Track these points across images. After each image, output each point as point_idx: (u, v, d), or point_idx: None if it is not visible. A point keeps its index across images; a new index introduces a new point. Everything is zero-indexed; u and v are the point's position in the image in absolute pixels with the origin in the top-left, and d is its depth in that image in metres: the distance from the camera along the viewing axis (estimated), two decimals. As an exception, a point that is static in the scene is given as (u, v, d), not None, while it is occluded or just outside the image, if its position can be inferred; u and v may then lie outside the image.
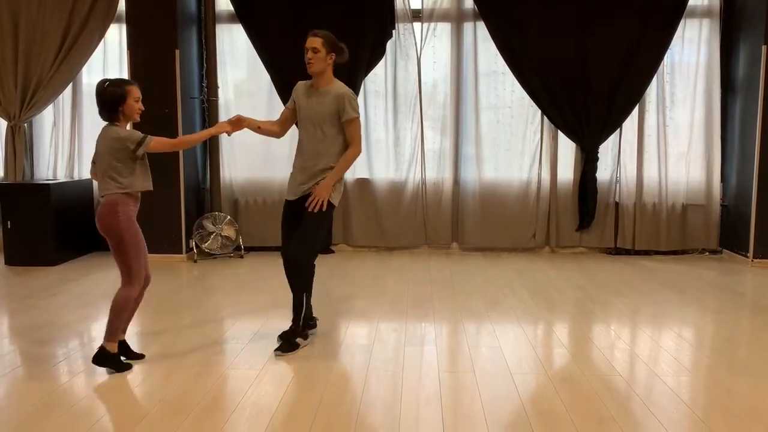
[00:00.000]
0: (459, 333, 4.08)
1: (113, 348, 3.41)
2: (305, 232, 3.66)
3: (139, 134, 3.34)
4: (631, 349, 3.79)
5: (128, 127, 3.46)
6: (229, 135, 3.81)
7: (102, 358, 3.39)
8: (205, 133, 3.71)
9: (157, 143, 3.38)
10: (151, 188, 3.48)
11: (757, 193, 6.03)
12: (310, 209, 3.64)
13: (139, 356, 3.57)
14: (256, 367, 3.47)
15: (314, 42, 3.75)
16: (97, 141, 3.41)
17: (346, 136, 3.72)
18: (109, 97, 3.30)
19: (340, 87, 3.76)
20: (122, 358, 3.46)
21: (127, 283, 3.41)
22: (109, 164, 3.33)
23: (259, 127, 3.86)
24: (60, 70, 6.33)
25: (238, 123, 3.74)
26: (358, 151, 3.77)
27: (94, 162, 3.46)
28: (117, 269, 3.40)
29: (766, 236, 6.05)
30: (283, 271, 3.77)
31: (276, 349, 3.67)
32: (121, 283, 3.43)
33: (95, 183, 5.47)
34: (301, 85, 3.90)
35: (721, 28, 6.41)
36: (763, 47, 5.88)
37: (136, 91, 3.37)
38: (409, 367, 3.49)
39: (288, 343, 3.71)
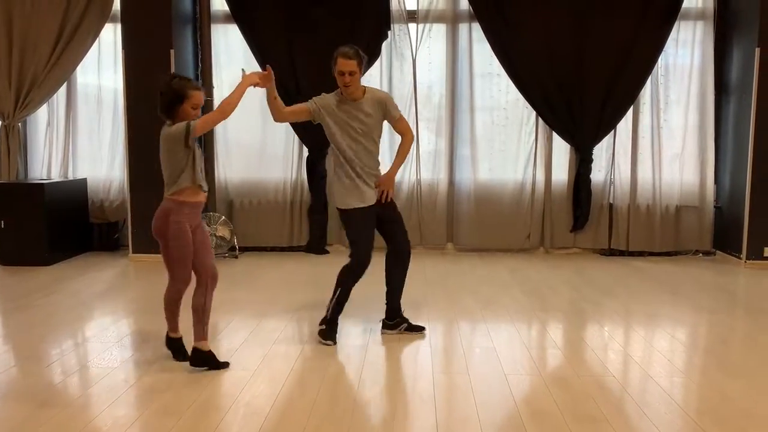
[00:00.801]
0: (453, 333, 4.09)
1: (205, 346, 3.42)
2: (402, 223, 4.01)
3: (183, 123, 3.23)
4: (625, 350, 3.81)
5: None
6: (254, 87, 3.55)
7: (197, 359, 3.41)
8: (241, 89, 3.38)
9: (202, 122, 3.24)
10: (206, 189, 3.45)
11: (750, 195, 6.06)
12: (388, 200, 3.91)
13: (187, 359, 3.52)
14: (250, 368, 3.47)
15: (350, 65, 3.73)
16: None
17: (398, 130, 4.02)
18: (169, 92, 3.23)
19: (374, 93, 3.90)
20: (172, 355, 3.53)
21: (171, 279, 3.45)
22: (166, 164, 3.31)
23: (275, 98, 3.77)
24: (54, 69, 6.32)
25: (268, 77, 3.62)
26: (413, 137, 4.13)
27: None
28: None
29: (758, 237, 6.08)
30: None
31: (384, 329, 4.05)
32: (173, 283, 3.47)
33: (89, 182, 5.46)
34: (329, 97, 3.88)
35: (715, 31, 6.45)
36: (756, 50, 5.91)
37: (197, 98, 3.28)
38: (403, 368, 3.49)
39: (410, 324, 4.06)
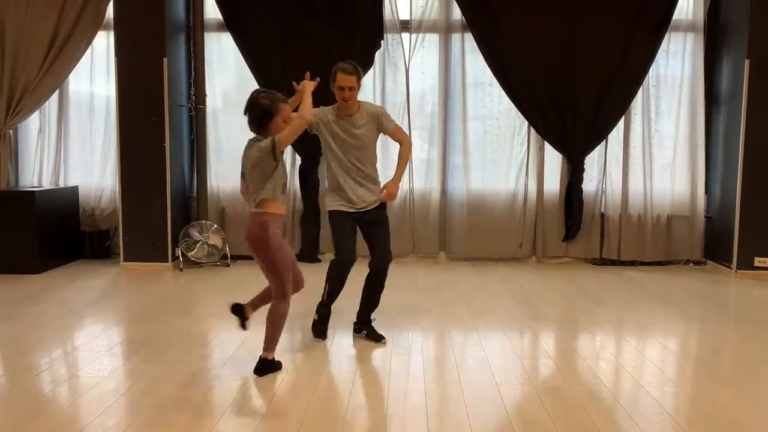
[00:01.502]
0: (446, 343, 4.09)
1: (271, 356, 3.49)
2: (388, 236, 4.09)
3: (269, 138, 3.27)
4: (616, 359, 3.81)
5: None
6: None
7: (264, 368, 3.45)
8: (309, 95, 3.43)
9: (287, 135, 3.26)
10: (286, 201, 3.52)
11: (740, 205, 6.10)
12: (388, 199, 4.01)
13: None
14: (243, 376, 3.46)
15: (350, 81, 3.82)
16: (243, 157, 3.42)
17: (396, 139, 4.10)
18: (260, 109, 3.28)
19: (369, 108, 4.01)
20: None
21: (281, 297, 3.46)
22: (254, 179, 3.34)
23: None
24: (47, 76, 6.30)
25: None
26: (411, 142, 4.35)
27: (243, 175, 3.46)
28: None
29: (749, 247, 6.12)
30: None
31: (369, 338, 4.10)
32: (274, 297, 3.48)
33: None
34: (327, 111, 3.98)
35: (705, 42, 6.51)
36: (746, 61, 5.97)
37: (287, 111, 3.33)
38: (395, 377, 3.48)
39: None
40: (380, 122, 3.99)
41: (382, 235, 4.05)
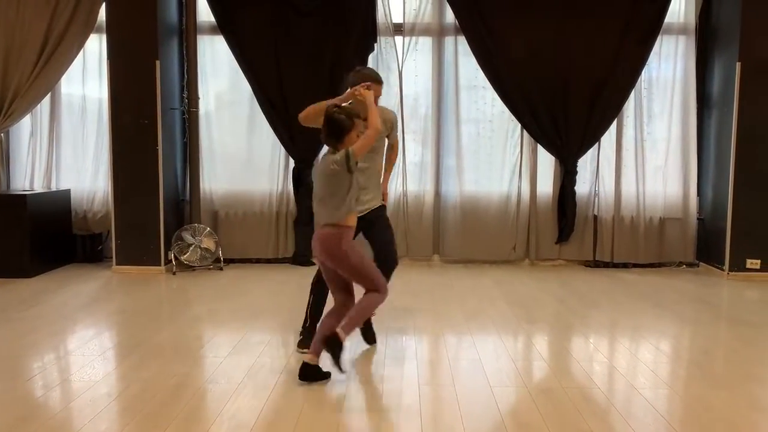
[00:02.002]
0: (439, 345, 4.09)
1: (344, 338, 3.41)
2: (393, 237, 4.11)
3: (342, 152, 3.33)
4: (610, 361, 3.82)
5: None
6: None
7: (333, 344, 3.36)
8: (374, 108, 3.51)
9: (360, 147, 3.35)
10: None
11: (732, 207, 6.14)
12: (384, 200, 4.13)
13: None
14: (236, 380, 3.44)
15: (379, 90, 3.85)
16: (316, 174, 3.52)
17: (390, 143, 4.20)
18: (337, 124, 3.35)
19: (383, 113, 4.00)
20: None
21: (380, 291, 3.54)
22: (329, 192, 3.37)
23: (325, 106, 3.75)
24: (38, 79, 6.26)
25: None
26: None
27: (314, 195, 3.51)
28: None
29: (741, 249, 6.15)
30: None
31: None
32: (371, 292, 3.53)
33: (70, 190, 5.41)
34: None
35: (697, 45, 6.54)
36: (737, 64, 6.00)
37: (361, 126, 3.41)
38: (389, 380, 3.48)
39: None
40: (391, 129, 4.07)
41: (384, 235, 4.04)
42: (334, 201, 3.37)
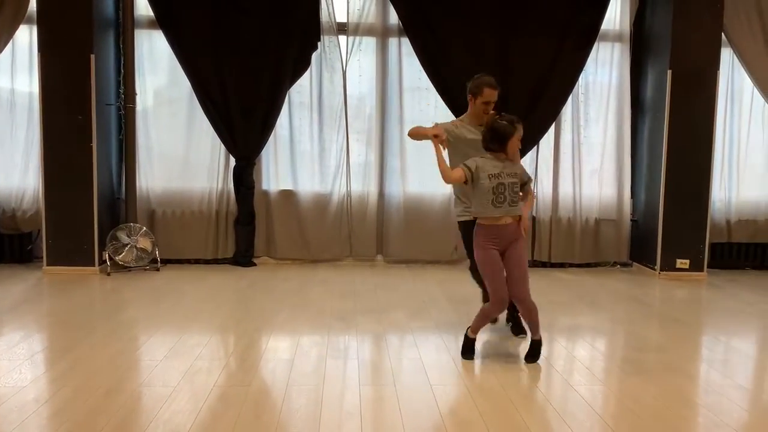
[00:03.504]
0: (381, 345, 4.09)
1: (473, 336, 3.89)
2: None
3: (527, 175, 3.85)
4: (547, 360, 3.90)
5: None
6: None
7: (466, 345, 3.89)
8: (441, 152, 3.88)
9: (453, 176, 3.76)
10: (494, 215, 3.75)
11: (663, 209, 6.37)
12: None
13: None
14: (171, 384, 3.36)
15: (495, 96, 4.16)
16: (484, 167, 3.75)
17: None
18: (501, 131, 3.66)
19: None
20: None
21: (490, 300, 3.77)
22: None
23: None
24: (-37, 71, 5.98)
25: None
26: None
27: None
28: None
29: (671, 250, 6.39)
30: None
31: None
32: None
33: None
34: (460, 124, 4.30)
35: (631, 53, 6.77)
36: (668, 72, 6.24)
37: (520, 130, 3.73)
38: (330, 381, 3.46)
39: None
40: None
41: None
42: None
